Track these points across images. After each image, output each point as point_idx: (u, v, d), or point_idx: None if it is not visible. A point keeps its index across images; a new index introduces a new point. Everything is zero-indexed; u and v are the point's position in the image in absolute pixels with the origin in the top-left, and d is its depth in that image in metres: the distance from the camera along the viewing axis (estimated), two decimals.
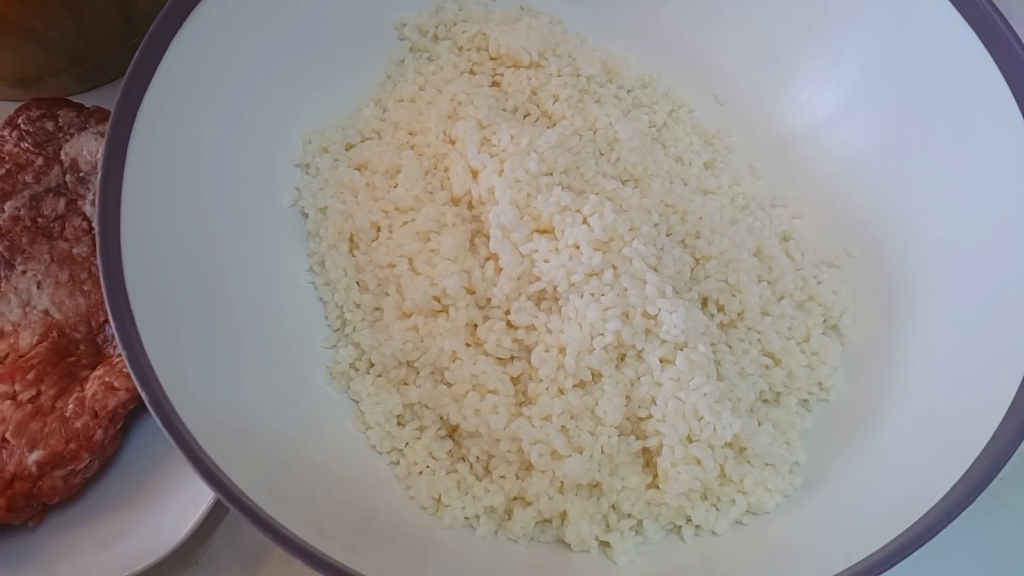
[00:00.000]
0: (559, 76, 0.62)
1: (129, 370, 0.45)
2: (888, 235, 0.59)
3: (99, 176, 0.49)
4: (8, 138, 0.61)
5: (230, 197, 0.56)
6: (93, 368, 0.57)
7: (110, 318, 0.46)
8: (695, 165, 0.63)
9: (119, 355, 0.55)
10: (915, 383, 0.54)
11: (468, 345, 0.53)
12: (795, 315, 0.57)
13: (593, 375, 0.52)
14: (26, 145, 0.61)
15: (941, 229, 0.56)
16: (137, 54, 0.51)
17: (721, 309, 0.56)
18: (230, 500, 0.42)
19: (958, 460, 0.46)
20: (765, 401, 0.56)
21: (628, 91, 0.65)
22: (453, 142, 0.58)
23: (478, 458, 0.52)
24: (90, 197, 0.61)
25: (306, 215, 0.59)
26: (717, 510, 0.51)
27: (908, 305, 0.57)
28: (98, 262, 0.47)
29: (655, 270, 0.52)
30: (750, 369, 0.54)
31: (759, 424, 0.53)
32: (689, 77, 0.66)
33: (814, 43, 0.61)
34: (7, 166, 0.60)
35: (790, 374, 0.55)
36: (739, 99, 0.66)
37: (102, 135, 0.62)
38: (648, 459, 0.52)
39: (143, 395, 0.44)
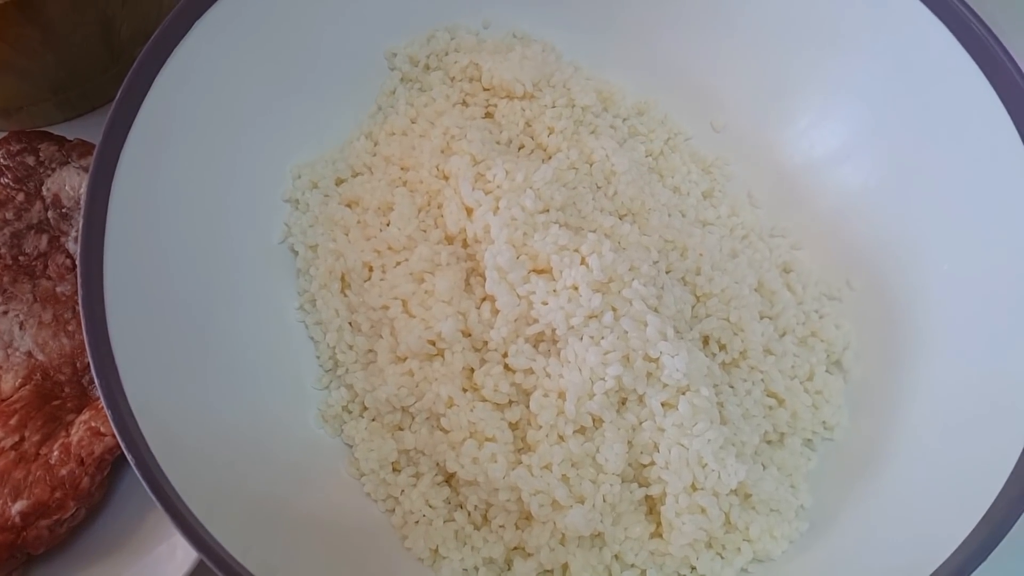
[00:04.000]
0: (554, 107, 0.60)
1: (111, 423, 0.43)
2: (891, 267, 0.58)
3: (82, 214, 0.47)
4: None
5: (218, 233, 0.55)
6: (79, 411, 0.55)
7: (92, 368, 0.45)
8: (693, 195, 0.62)
9: None
10: (922, 420, 0.53)
11: (465, 390, 0.52)
12: (798, 352, 0.56)
13: (594, 421, 0.51)
14: (6, 181, 0.60)
15: (945, 263, 0.55)
16: (122, 88, 0.50)
17: (723, 348, 0.55)
18: (215, 563, 0.41)
19: (973, 504, 0.45)
20: (769, 442, 0.55)
21: (624, 120, 0.64)
22: (446, 178, 0.57)
23: (476, 507, 0.51)
24: (73, 234, 0.60)
25: (296, 252, 0.58)
26: (722, 559, 0.50)
27: (912, 339, 0.56)
28: (80, 304, 0.46)
29: (656, 311, 0.51)
30: (754, 410, 0.53)
31: (764, 468, 0.52)
32: (686, 104, 0.65)
33: (813, 72, 0.60)
34: None
35: (794, 414, 0.55)
36: (737, 127, 0.65)
37: (85, 169, 0.61)
38: (651, 507, 0.51)
39: (126, 451, 0.43)
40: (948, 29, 0.53)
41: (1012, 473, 0.45)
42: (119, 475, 0.57)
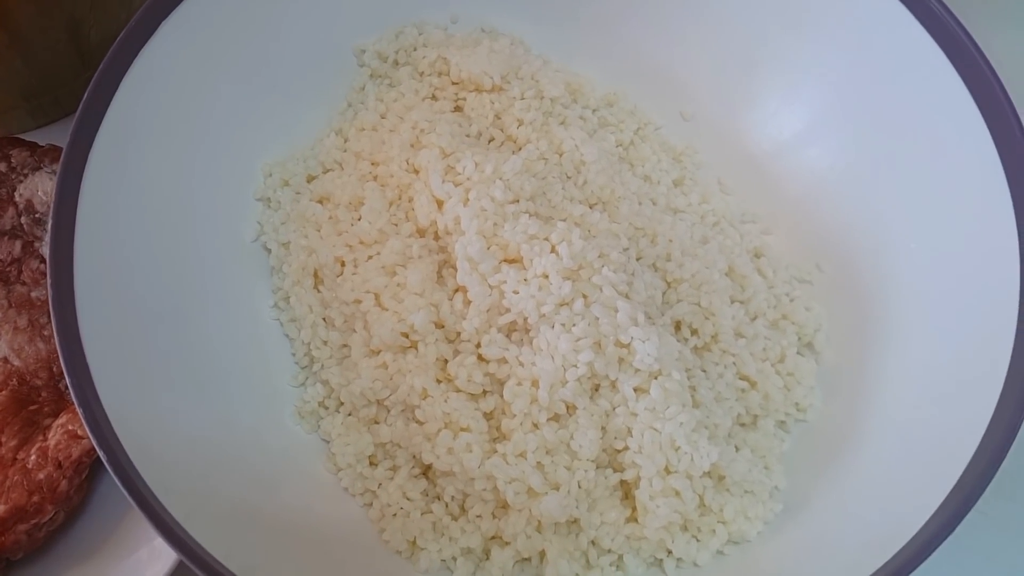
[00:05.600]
0: (522, 99, 0.61)
1: (85, 427, 0.43)
2: (859, 249, 0.58)
3: (51, 217, 0.47)
4: None
5: (190, 233, 0.55)
6: (56, 415, 0.55)
7: (64, 369, 0.45)
8: (663, 184, 0.62)
9: None
10: (893, 399, 0.53)
11: (439, 381, 0.52)
12: (769, 335, 0.57)
13: (567, 408, 0.51)
14: None
15: (913, 242, 0.56)
16: (88, 90, 0.50)
17: (695, 332, 0.55)
18: (194, 562, 0.41)
19: (942, 478, 0.46)
20: (742, 425, 0.55)
21: (593, 111, 0.64)
22: (417, 172, 0.57)
23: (453, 497, 0.51)
24: (47, 239, 0.60)
25: (269, 250, 0.58)
26: (698, 541, 0.50)
27: (882, 319, 0.56)
28: (50, 309, 0.46)
29: (626, 297, 0.51)
30: (726, 393, 0.54)
31: (737, 450, 0.53)
32: (655, 94, 0.66)
33: (780, 58, 0.61)
34: None
35: (766, 396, 0.55)
36: (706, 115, 0.65)
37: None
38: (626, 492, 0.52)
39: (101, 454, 0.43)
40: (911, 13, 0.54)
41: (978, 447, 0.46)
42: (97, 479, 0.56)
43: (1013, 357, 0.48)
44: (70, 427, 0.54)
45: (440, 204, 0.55)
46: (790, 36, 0.60)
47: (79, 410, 0.44)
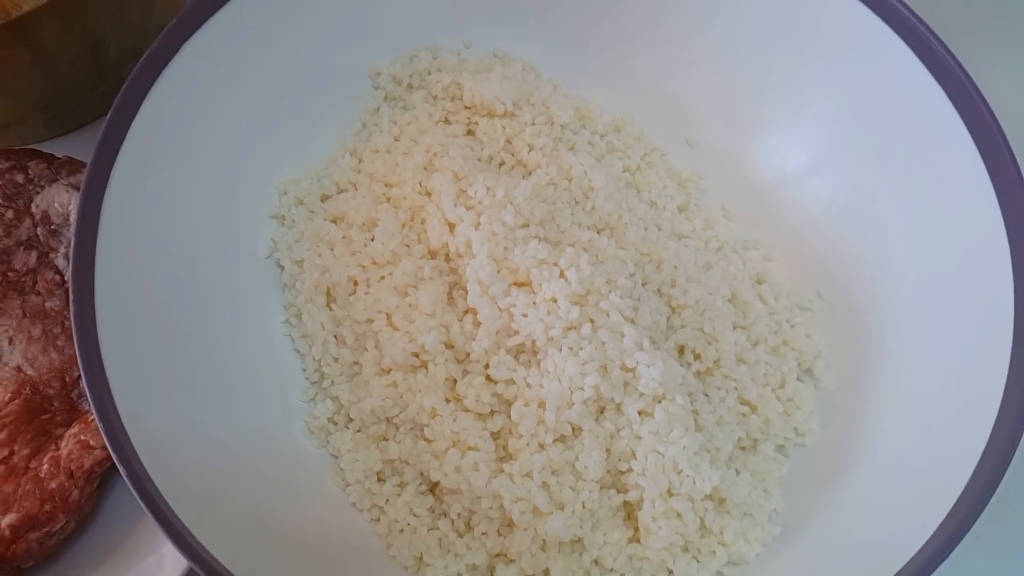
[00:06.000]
0: (533, 125, 0.62)
1: (102, 434, 0.44)
2: (859, 278, 0.60)
3: (73, 230, 0.48)
4: None
5: (206, 248, 0.56)
6: (68, 425, 0.56)
7: (83, 378, 0.46)
8: (669, 209, 0.64)
9: None
10: (890, 424, 0.55)
11: (448, 401, 0.53)
12: (770, 361, 0.58)
13: (573, 429, 0.52)
14: None
15: (911, 272, 0.57)
16: (113, 107, 0.51)
17: (698, 357, 0.56)
18: (204, 570, 0.42)
19: (938, 503, 0.47)
20: (743, 448, 0.56)
21: (601, 136, 0.65)
22: (429, 194, 0.58)
23: (459, 515, 0.52)
24: (62, 250, 0.60)
25: (282, 267, 0.59)
26: (698, 562, 0.51)
27: (880, 347, 0.57)
28: (71, 319, 0.47)
29: (632, 322, 0.52)
30: (727, 418, 0.55)
31: (737, 473, 0.54)
32: (661, 121, 0.67)
33: (784, 89, 0.62)
34: None
35: (766, 421, 0.56)
36: (711, 142, 0.66)
37: (73, 187, 0.61)
38: (629, 513, 0.53)
39: (116, 461, 0.44)
40: (910, 48, 0.55)
41: (974, 473, 0.47)
42: (107, 488, 0.57)
43: (1008, 384, 0.49)
44: (82, 437, 0.55)
45: (452, 227, 0.56)
46: (795, 68, 0.61)
47: (96, 418, 0.45)
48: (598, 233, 0.59)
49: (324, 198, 0.61)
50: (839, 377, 0.59)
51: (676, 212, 0.64)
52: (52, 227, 0.61)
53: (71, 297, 0.47)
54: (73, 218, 0.58)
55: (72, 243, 0.48)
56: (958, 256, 0.55)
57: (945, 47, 0.54)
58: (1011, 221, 0.52)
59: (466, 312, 0.55)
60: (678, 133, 0.67)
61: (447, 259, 0.57)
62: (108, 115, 0.50)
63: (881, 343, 0.58)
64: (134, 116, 0.51)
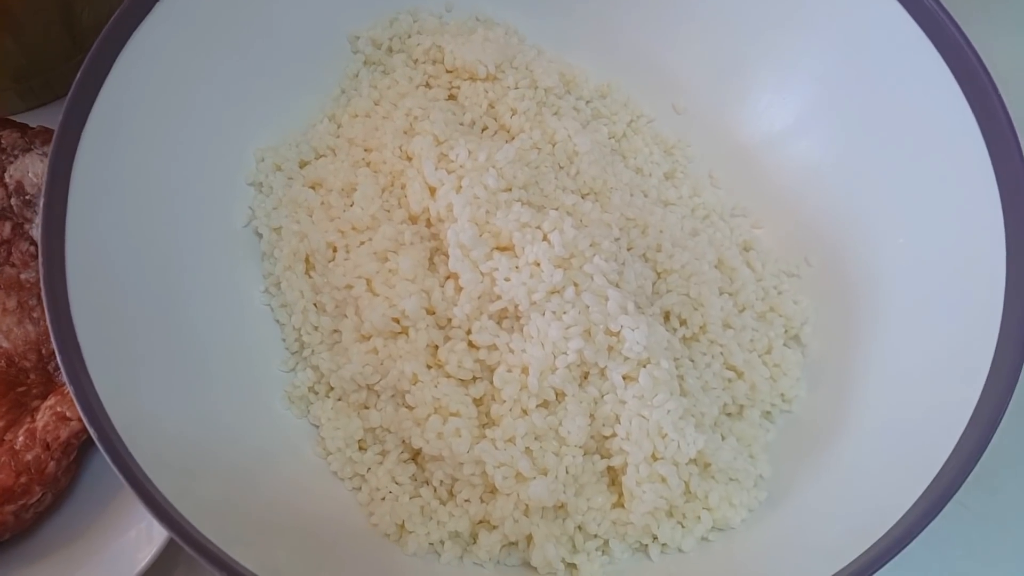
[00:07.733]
0: (516, 88, 0.61)
1: (76, 405, 0.43)
2: (847, 244, 0.59)
3: (42, 199, 0.47)
4: None
5: (181, 217, 0.55)
6: (44, 398, 0.55)
7: (55, 348, 0.45)
8: (655, 176, 0.63)
9: None
10: (877, 392, 0.54)
11: (429, 367, 0.53)
12: (756, 327, 0.57)
13: (556, 394, 0.51)
14: None
15: (900, 237, 0.56)
16: (80, 72, 0.49)
17: (683, 323, 0.56)
18: (184, 540, 0.41)
19: (923, 470, 0.46)
20: (728, 414, 0.56)
21: (587, 102, 0.64)
22: (410, 158, 0.57)
23: (442, 482, 0.52)
24: (38, 221, 0.59)
25: (260, 235, 0.58)
26: (683, 527, 0.51)
27: (868, 314, 0.57)
28: (42, 289, 0.46)
29: (616, 286, 0.52)
30: (713, 383, 0.54)
31: (723, 439, 0.53)
32: (648, 87, 0.66)
33: (771, 53, 0.61)
34: None
35: (752, 387, 0.55)
36: (698, 108, 0.65)
37: (48, 156, 0.60)
38: (613, 478, 0.52)
39: (92, 432, 0.43)
40: (904, 8, 0.54)
41: (960, 440, 0.46)
42: (86, 462, 0.56)
43: (996, 352, 0.48)
44: (58, 409, 0.54)
45: (433, 191, 0.55)
46: (782, 31, 0.60)
47: (69, 386, 0.44)
48: (582, 198, 0.58)
49: (303, 164, 0.61)
50: (826, 343, 0.58)
51: (662, 179, 0.63)
52: (26, 197, 0.60)
53: (41, 269, 0.46)
54: None
55: (41, 210, 0.47)
56: (949, 220, 0.54)
57: (944, 10, 0.53)
58: (1005, 188, 0.51)
59: (448, 277, 0.54)
60: (664, 99, 0.66)
61: (428, 224, 0.56)
62: (76, 78, 0.49)
63: (870, 309, 0.57)
64: (103, 81, 0.50)
